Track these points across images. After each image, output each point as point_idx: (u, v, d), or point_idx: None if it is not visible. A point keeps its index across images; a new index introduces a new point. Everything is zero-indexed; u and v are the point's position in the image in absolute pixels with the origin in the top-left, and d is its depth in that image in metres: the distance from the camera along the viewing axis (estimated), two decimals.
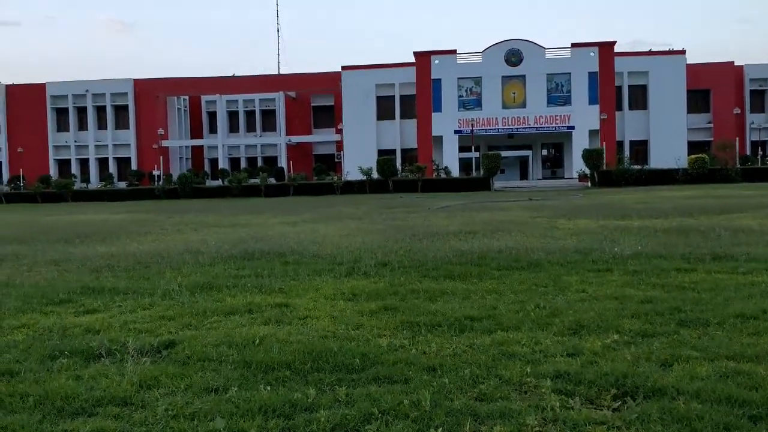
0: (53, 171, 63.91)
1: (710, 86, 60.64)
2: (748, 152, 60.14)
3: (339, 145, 62.38)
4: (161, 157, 60.77)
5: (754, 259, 9.14)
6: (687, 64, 58.19)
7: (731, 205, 19.97)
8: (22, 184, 56.29)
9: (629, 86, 59.03)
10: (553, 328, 5.86)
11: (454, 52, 58.39)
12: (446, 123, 57.55)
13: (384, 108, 60.91)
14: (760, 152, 57.27)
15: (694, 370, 4.57)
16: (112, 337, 5.93)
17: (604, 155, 47.28)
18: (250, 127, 68.02)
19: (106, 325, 6.50)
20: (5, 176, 63.97)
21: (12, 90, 66.59)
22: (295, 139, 64.39)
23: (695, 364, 4.71)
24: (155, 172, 58.67)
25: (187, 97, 68.49)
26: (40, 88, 65.81)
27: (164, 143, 63.92)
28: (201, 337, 5.85)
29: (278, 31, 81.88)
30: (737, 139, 56.87)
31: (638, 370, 4.59)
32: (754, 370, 4.54)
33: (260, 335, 5.81)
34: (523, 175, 61.12)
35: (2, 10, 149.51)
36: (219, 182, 55.91)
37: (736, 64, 61.57)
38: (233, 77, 65.92)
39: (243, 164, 65.49)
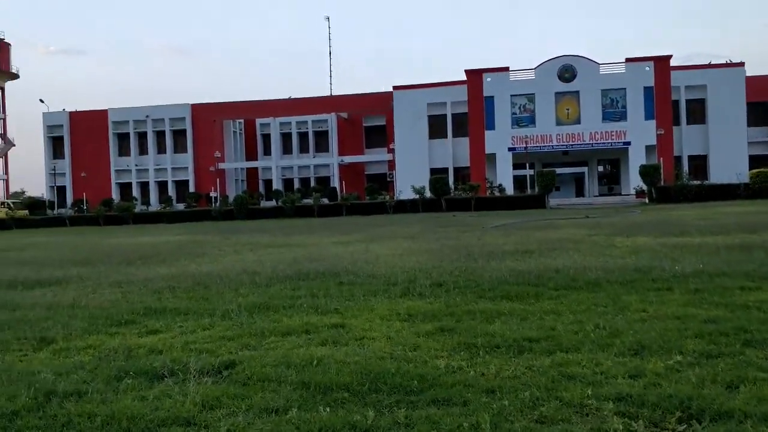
0: (115, 194, 65.84)
1: None
2: None
3: (391, 164, 62.66)
4: (218, 179, 62.06)
5: None
6: (747, 77, 56.76)
7: None
8: (85, 208, 58.05)
9: (686, 100, 57.86)
10: (614, 348, 5.75)
11: (506, 69, 58.20)
12: (499, 140, 57.26)
13: (436, 127, 61.01)
14: None
15: (761, 392, 4.43)
16: (174, 357, 6.05)
17: (662, 171, 46.35)
18: (303, 149, 68.97)
19: (168, 345, 6.64)
20: (69, 200, 66.09)
21: (75, 117, 69.05)
22: (348, 159, 64.95)
23: (763, 386, 4.56)
24: (212, 194, 59.88)
25: (242, 121, 69.93)
26: (103, 114, 68.10)
27: (220, 166, 65.27)
28: (260, 358, 5.91)
29: (330, 53, 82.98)
30: None
31: (703, 392, 4.48)
32: None
33: (318, 356, 5.83)
34: (579, 192, 60.29)
35: (67, 40, 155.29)
36: (273, 203, 56.70)
37: None
38: (287, 100, 66.99)
39: (296, 185, 66.35)
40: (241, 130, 70.66)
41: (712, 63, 60.40)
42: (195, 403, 4.74)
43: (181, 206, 59.42)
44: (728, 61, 59.03)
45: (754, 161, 55.88)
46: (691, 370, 5.01)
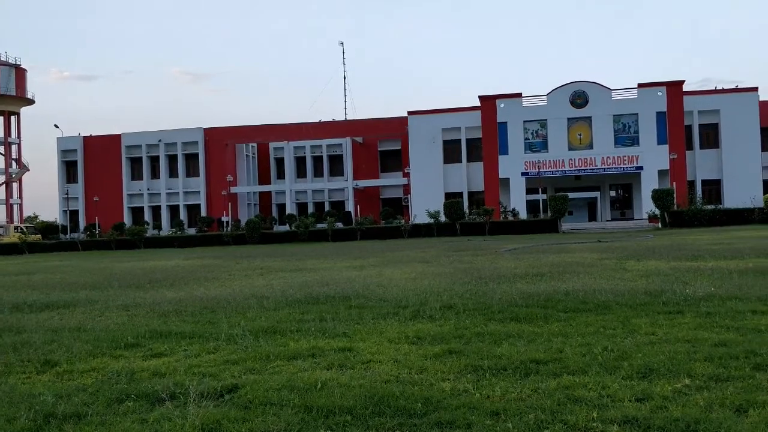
0: (127, 218, 66.17)
1: None
2: None
3: (406, 188, 62.76)
4: (230, 204, 62.26)
5: None
6: (760, 101, 56.59)
7: None
8: (97, 232, 58.36)
9: (699, 125, 57.71)
10: (622, 371, 5.67)
11: (519, 95, 58.41)
12: (513, 165, 57.32)
13: (450, 151, 61.16)
14: None
15: None
16: (177, 380, 6.02)
17: (675, 195, 46.10)
18: (318, 173, 69.17)
19: (171, 369, 6.61)
20: (81, 224, 66.51)
21: (89, 141, 69.72)
22: (362, 183, 65.10)
23: None
24: (224, 218, 60.05)
25: (255, 144, 70.30)
26: (116, 138, 68.72)
27: (233, 190, 65.53)
28: (263, 382, 5.88)
29: (345, 77, 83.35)
30: None
31: (711, 416, 4.39)
32: None
33: (322, 380, 5.80)
34: (592, 217, 60.04)
35: (81, 65, 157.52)
36: (286, 227, 56.76)
37: None
38: (301, 124, 67.29)
39: (310, 209, 66.46)
40: (254, 154, 70.98)
41: (723, 88, 60.22)
42: (194, 427, 4.71)
43: (192, 230, 59.60)
44: (737, 86, 58.81)
45: None
46: (700, 394, 4.92)
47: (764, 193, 49.64)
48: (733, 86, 59.33)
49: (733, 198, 53.02)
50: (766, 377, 5.32)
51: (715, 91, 60.24)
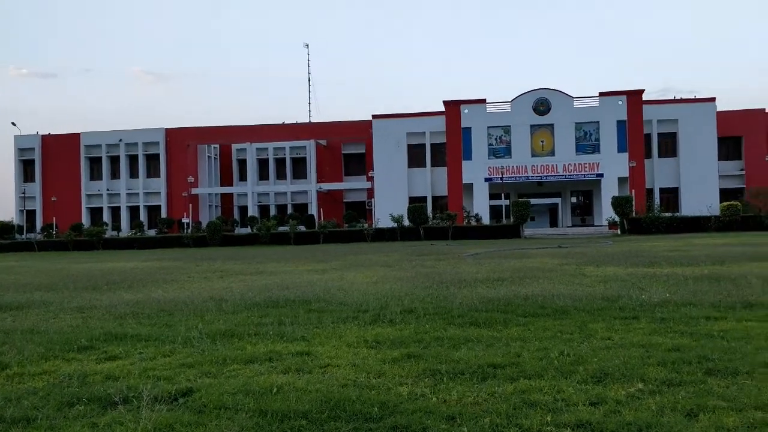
0: (85, 219, 65.05)
1: (742, 133, 60.20)
2: None
3: (370, 192, 62.78)
4: (191, 205, 61.58)
5: None
6: (717, 112, 57.89)
7: (764, 253, 19.56)
8: (54, 232, 57.24)
9: (658, 134, 58.86)
10: (577, 376, 5.73)
11: (483, 101, 58.89)
12: (476, 171, 57.74)
13: (415, 156, 61.37)
14: None
15: (720, 421, 4.42)
16: (131, 384, 5.92)
17: (634, 203, 46.88)
18: (280, 175, 68.81)
19: (125, 372, 6.50)
20: (38, 224, 65.16)
21: (47, 140, 68.39)
22: (326, 186, 64.95)
23: (722, 415, 4.55)
24: (184, 220, 59.36)
25: (217, 146, 69.70)
26: (75, 138, 67.53)
27: (194, 191, 64.85)
28: (219, 385, 5.82)
29: (309, 80, 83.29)
30: None
31: (662, 420, 4.45)
32: None
33: (278, 384, 5.76)
34: (553, 223, 60.83)
35: (40, 63, 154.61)
36: (248, 230, 56.34)
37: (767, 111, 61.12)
38: (264, 126, 66.91)
39: (272, 212, 66.10)
40: (216, 155, 70.34)
41: (681, 98, 61.49)
42: (146, 431, 4.62)
43: (152, 232, 58.79)
44: (695, 97, 60.07)
45: (725, 194, 56.85)
46: (652, 398, 4.99)
47: (720, 202, 50.74)
48: (691, 96, 60.64)
49: (690, 206, 54.18)
50: (718, 382, 5.41)
51: (674, 101, 61.53)
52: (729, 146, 60.81)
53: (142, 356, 7.26)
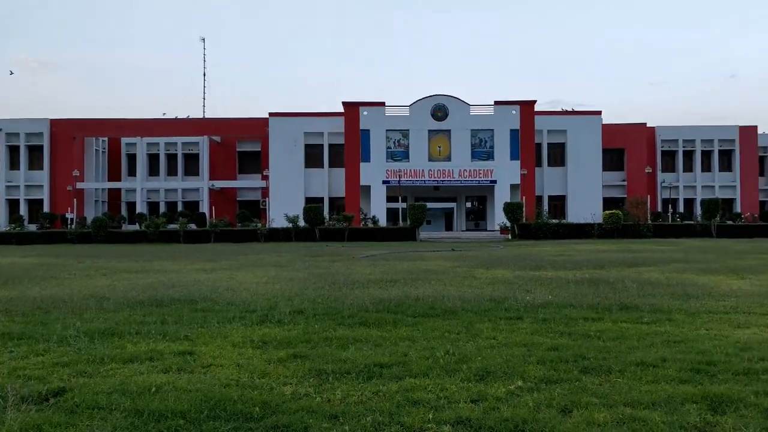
0: None
1: (624, 146, 63.37)
2: (659, 209, 62.83)
3: (265, 191, 61.90)
4: (75, 200, 58.86)
5: (658, 310, 9.42)
6: (603, 124, 60.72)
7: (641, 259, 20.64)
8: None
9: (548, 143, 61.14)
10: (461, 374, 5.83)
11: (382, 104, 59.29)
12: (374, 173, 58.04)
13: (312, 156, 61.02)
14: (670, 209, 59.92)
15: (592, 417, 4.60)
16: None
17: (524, 209, 48.43)
18: (172, 171, 66.73)
19: None
20: None
21: None
22: (219, 184, 63.53)
23: (594, 411, 4.74)
24: (69, 215, 56.66)
25: (106, 139, 66.90)
26: None
27: (79, 185, 62.01)
28: (94, 385, 5.59)
29: (204, 75, 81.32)
30: (649, 196, 59.46)
31: (538, 416, 4.59)
32: (649, 416, 4.60)
33: (158, 383, 5.59)
34: (448, 227, 62.03)
35: None
36: (136, 227, 54.34)
37: (648, 125, 64.66)
38: (156, 120, 64.86)
39: (162, 209, 64.06)
40: (104, 148, 67.47)
41: (570, 110, 64.23)
42: None
43: (33, 227, 55.76)
44: (583, 109, 62.88)
45: (608, 203, 59.78)
46: (530, 395, 5.14)
47: (603, 210, 53.21)
48: (579, 109, 63.41)
49: (576, 213, 56.63)
50: (592, 380, 5.64)
51: (564, 113, 64.18)
52: (613, 157, 63.91)
53: (12, 355, 6.87)
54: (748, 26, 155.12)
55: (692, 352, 6.61)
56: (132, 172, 66.15)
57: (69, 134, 62.42)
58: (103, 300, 11.07)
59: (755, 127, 65.84)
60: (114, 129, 64.36)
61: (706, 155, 66.10)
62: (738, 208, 63.08)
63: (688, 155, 66.45)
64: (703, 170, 65.89)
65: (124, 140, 66.46)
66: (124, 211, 64.57)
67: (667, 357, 6.34)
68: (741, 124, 65.79)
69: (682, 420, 4.55)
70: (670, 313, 9.19)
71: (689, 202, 65.59)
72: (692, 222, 50.36)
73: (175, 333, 8.03)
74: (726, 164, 66.10)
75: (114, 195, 66.51)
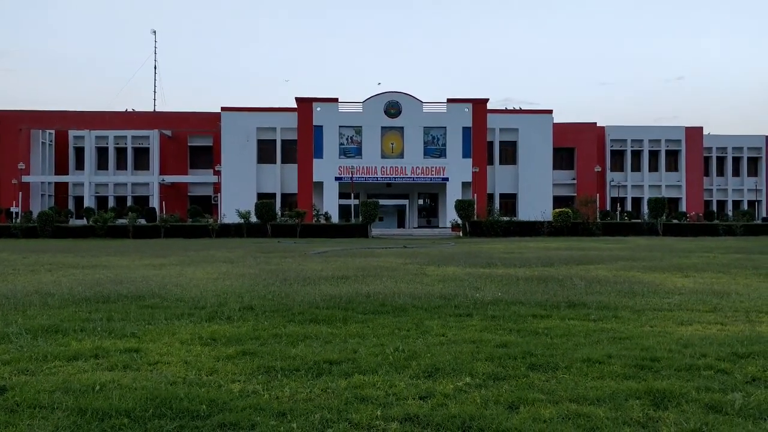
0: None
1: (574, 145, 64.47)
2: (608, 207, 64.15)
3: (216, 187, 61.22)
4: (20, 193, 57.33)
5: (605, 307, 9.59)
6: (554, 123, 61.64)
7: (589, 257, 21.01)
8: None
9: (500, 142, 61.82)
10: (410, 371, 5.86)
11: (336, 100, 59.16)
12: (327, 169, 57.90)
13: (265, 151, 60.55)
14: (619, 208, 61.23)
15: (538, 413, 4.66)
16: None
17: (475, 206, 48.90)
18: (121, 165, 65.50)
19: None
20: None
21: None
22: (169, 179, 62.59)
23: (540, 407, 4.80)
24: (13, 209, 55.16)
25: (53, 131, 65.25)
26: None
27: (25, 179, 60.43)
28: (36, 383, 5.45)
29: (155, 68, 79.87)
30: (598, 195, 60.64)
31: (486, 412, 4.63)
32: (594, 412, 4.68)
33: (102, 381, 5.48)
34: (400, 224, 62.27)
35: None
36: (83, 221, 53.18)
37: (598, 125, 65.87)
38: (105, 113, 63.50)
39: (111, 203, 62.87)
40: (51, 141, 65.84)
41: (522, 108, 65.09)
42: None
43: None
44: (534, 108, 63.79)
45: (558, 201, 60.83)
46: (478, 392, 5.19)
47: (554, 209, 54.06)
48: (531, 108, 64.31)
49: (527, 211, 57.42)
50: (539, 376, 5.72)
51: (516, 111, 64.96)
52: (563, 156, 64.99)
53: None
54: (696, 30, 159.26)
55: (637, 348, 6.74)
56: (80, 165, 64.72)
57: (15, 126, 60.77)
58: (47, 296, 10.80)
59: (701, 128, 67.63)
60: (61, 121, 62.86)
61: (654, 155, 67.70)
62: (684, 207, 64.79)
63: (636, 155, 67.96)
64: (650, 170, 67.46)
65: (72, 133, 64.97)
66: (71, 206, 63.15)
67: (613, 353, 6.45)
68: (687, 125, 67.50)
69: (626, 415, 4.65)
70: (617, 310, 9.36)
71: (637, 201, 67.10)
72: (639, 220, 51.52)
73: (122, 330, 7.89)
74: (673, 164, 67.79)
75: (61, 189, 64.96)
